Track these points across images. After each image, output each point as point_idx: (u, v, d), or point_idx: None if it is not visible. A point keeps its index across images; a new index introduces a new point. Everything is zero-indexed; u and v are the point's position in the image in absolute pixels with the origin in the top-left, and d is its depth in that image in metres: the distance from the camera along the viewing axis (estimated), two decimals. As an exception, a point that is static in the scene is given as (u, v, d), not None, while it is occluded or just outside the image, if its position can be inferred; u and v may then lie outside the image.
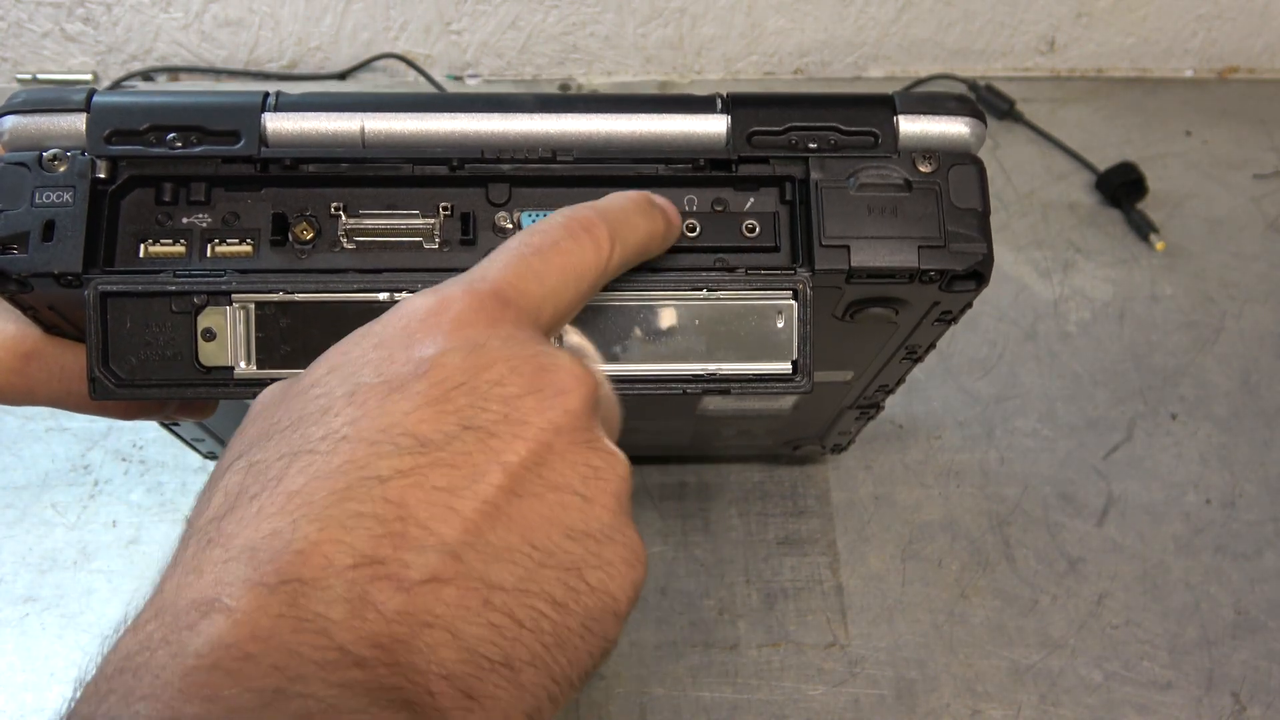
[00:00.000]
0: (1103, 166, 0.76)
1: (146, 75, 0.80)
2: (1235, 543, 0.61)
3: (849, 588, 0.59)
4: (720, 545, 0.60)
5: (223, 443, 0.54)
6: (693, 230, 0.35)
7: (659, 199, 0.33)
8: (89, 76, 0.80)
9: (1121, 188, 0.75)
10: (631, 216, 0.32)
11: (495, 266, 0.28)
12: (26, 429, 0.62)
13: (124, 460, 0.61)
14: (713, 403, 0.49)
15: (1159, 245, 0.73)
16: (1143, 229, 0.74)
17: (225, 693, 0.21)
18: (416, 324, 0.27)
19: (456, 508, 0.24)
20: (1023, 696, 0.55)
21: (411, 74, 0.81)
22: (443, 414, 0.25)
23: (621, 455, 0.27)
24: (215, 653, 0.21)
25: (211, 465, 0.60)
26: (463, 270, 0.33)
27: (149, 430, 0.62)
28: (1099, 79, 0.85)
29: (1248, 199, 0.76)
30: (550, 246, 0.29)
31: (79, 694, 0.22)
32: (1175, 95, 0.83)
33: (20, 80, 0.79)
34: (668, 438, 0.56)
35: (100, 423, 0.62)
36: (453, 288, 0.27)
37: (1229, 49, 0.84)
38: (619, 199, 0.32)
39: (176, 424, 0.51)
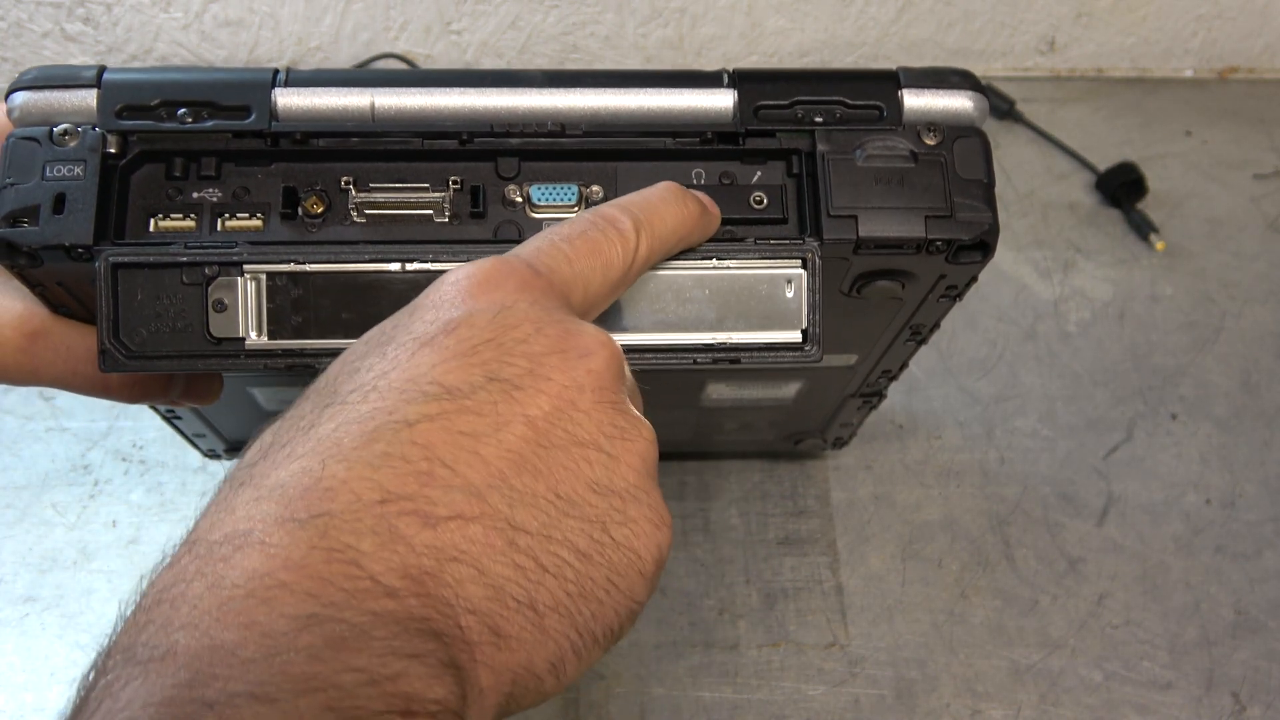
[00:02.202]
0: (1103, 166, 0.76)
1: (146, 75, 0.80)
2: (1235, 543, 0.61)
3: (849, 588, 0.59)
4: (720, 545, 0.60)
5: (224, 438, 0.54)
6: None
7: (694, 191, 0.34)
8: (89, 76, 0.80)
9: (1121, 188, 0.75)
10: (659, 207, 0.32)
11: (526, 247, 0.30)
12: (26, 429, 0.62)
13: (124, 460, 0.61)
14: (716, 391, 0.49)
15: (1159, 245, 0.73)
16: (1143, 229, 0.74)
17: (260, 618, 0.22)
18: (448, 289, 0.28)
19: (481, 452, 0.25)
20: (1023, 696, 0.55)
21: (411, 74, 0.81)
22: (469, 365, 0.26)
23: (646, 422, 0.28)
24: (250, 582, 0.22)
25: (212, 464, 0.60)
26: (472, 242, 0.34)
27: (149, 430, 0.62)
28: (1099, 79, 0.85)
29: (1248, 199, 0.76)
30: (577, 235, 0.30)
31: (118, 627, 0.23)
32: (1175, 95, 0.83)
33: (20, 80, 0.79)
34: (670, 431, 0.56)
35: (100, 423, 0.62)
36: (484, 259, 0.29)
37: (1229, 49, 0.84)
38: (645, 191, 0.33)
39: (178, 416, 0.51)
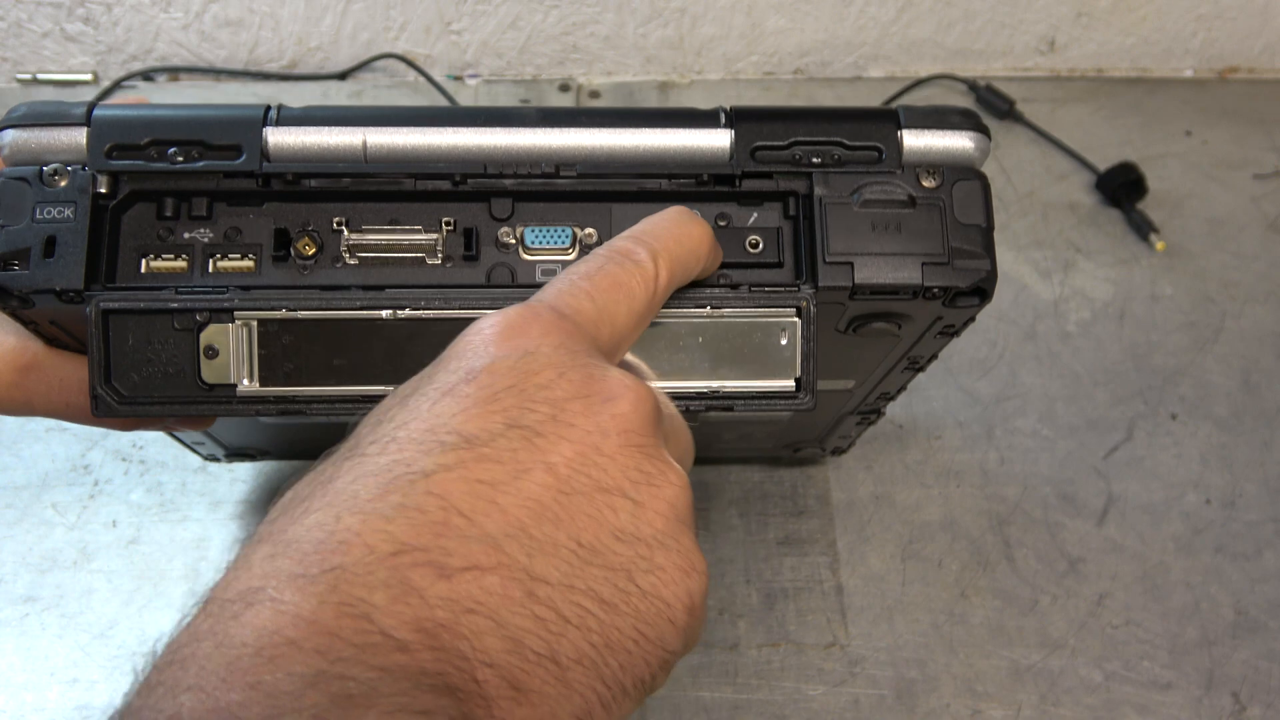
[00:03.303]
0: (1103, 166, 0.76)
1: (146, 75, 0.80)
2: (1235, 543, 0.61)
3: (849, 588, 0.59)
4: (720, 545, 0.60)
5: (223, 446, 0.54)
6: None
7: (700, 220, 0.34)
8: (89, 76, 0.80)
9: (1121, 188, 0.75)
10: (671, 231, 0.32)
11: (548, 290, 0.30)
12: (26, 429, 0.62)
13: (124, 460, 0.61)
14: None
15: (1159, 245, 0.73)
16: (1143, 229, 0.74)
17: (267, 678, 0.21)
18: (473, 339, 0.28)
19: (499, 501, 0.24)
20: (1023, 696, 0.55)
21: (411, 74, 0.81)
22: (489, 413, 0.25)
23: (678, 468, 0.28)
24: (259, 640, 0.22)
25: (211, 466, 0.60)
26: (464, 286, 0.34)
27: (149, 431, 0.62)
28: (1099, 79, 0.85)
29: (1248, 199, 0.76)
30: (596, 271, 0.30)
31: (132, 688, 0.23)
32: (1175, 95, 0.83)
33: (20, 80, 0.79)
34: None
35: (100, 423, 0.62)
36: (510, 308, 0.28)
37: (1229, 49, 0.84)
38: (655, 218, 0.32)
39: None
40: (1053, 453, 0.64)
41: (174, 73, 0.80)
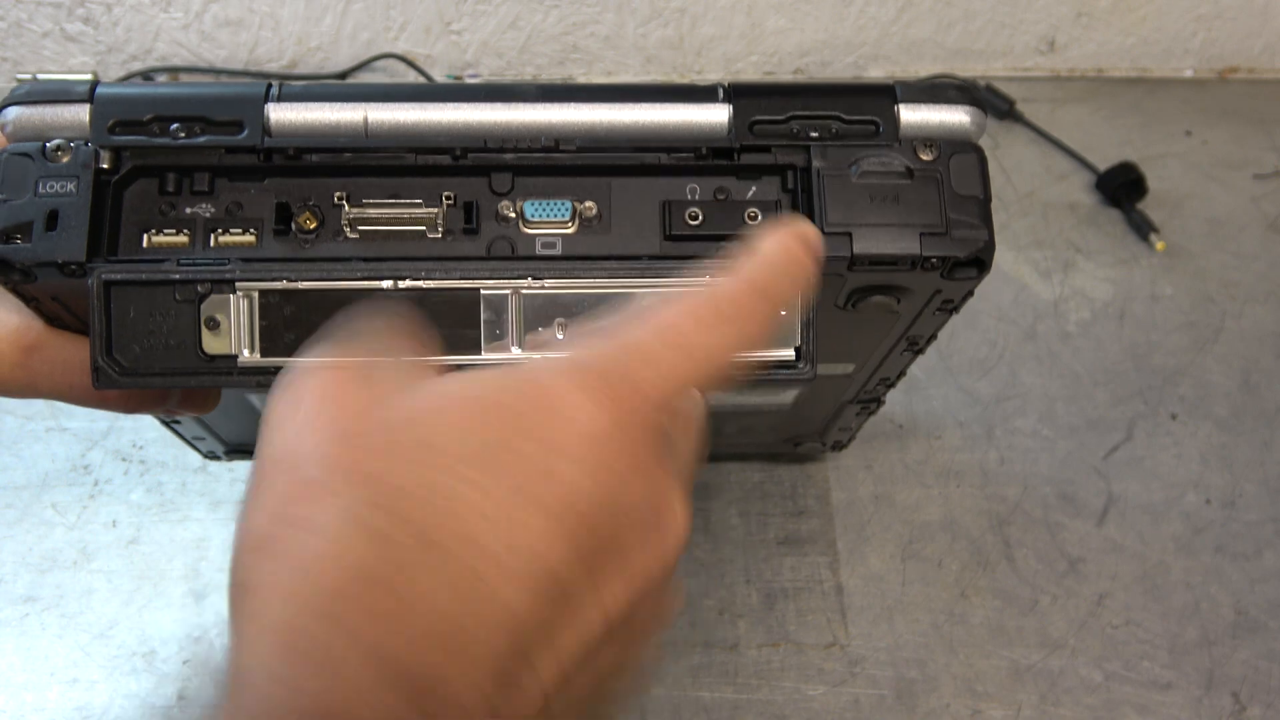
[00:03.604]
0: (1103, 166, 0.76)
1: (146, 75, 0.80)
2: (1235, 543, 0.61)
3: (849, 588, 0.59)
4: (720, 545, 0.60)
5: (224, 442, 0.54)
6: (695, 219, 0.35)
7: (808, 235, 0.29)
8: (89, 76, 0.79)
9: (1121, 188, 0.75)
10: (783, 281, 0.29)
11: (639, 364, 0.26)
12: (26, 429, 0.62)
13: (124, 460, 0.61)
14: (715, 397, 0.49)
15: (1159, 245, 0.73)
16: (1143, 229, 0.74)
17: None
18: (554, 423, 0.25)
19: (556, 636, 0.24)
20: (1023, 696, 0.55)
21: (411, 74, 0.81)
22: (569, 544, 0.24)
23: (678, 582, 0.28)
24: None
25: (211, 465, 0.60)
26: (464, 259, 0.34)
27: (149, 430, 0.62)
28: (1099, 79, 0.85)
29: (1248, 199, 0.76)
30: (698, 346, 0.26)
31: None
32: (1175, 95, 0.83)
33: (20, 80, 0.79)
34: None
35: (100, 423, 0.62)
36: (593, 369, 0.25)
37: (1229, 49, 0.84)
38: (777, 259, 0.28)
39: (177, 421, 0.51)
40: (1053, 453, 0.64)
41: (174, 72, 0.80)
